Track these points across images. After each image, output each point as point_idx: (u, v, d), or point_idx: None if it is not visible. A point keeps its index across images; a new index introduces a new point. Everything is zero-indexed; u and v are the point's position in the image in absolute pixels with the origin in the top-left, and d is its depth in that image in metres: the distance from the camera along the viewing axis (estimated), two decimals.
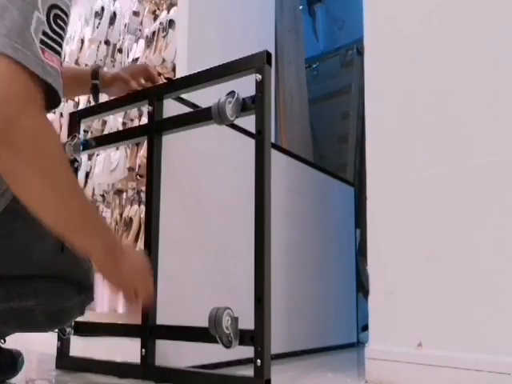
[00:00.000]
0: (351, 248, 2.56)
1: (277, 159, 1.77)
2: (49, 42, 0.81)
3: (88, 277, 1.20)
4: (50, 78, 0.80)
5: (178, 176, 1.52)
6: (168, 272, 1.42)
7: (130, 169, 2.56)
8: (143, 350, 1.34)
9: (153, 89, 1.47)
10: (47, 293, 1.11)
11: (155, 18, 2.70)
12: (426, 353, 1.23)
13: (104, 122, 2.87)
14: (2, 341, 1.28)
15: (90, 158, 2.89)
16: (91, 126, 2.95)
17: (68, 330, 1.48)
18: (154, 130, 1.43)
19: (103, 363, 1.44)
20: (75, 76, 1.48)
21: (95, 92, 1.49)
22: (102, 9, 3.08)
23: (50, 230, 0.87)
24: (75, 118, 1.63)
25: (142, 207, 2.39)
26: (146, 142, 1.58)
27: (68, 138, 1.58)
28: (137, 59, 2.69)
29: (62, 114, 3.34)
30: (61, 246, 1.09)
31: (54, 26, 0.82)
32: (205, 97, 1.40)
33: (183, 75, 1.83)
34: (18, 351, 1.33)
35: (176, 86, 1.48)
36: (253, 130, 1.26)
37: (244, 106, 1.27)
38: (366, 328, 2.24)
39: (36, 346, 1.99)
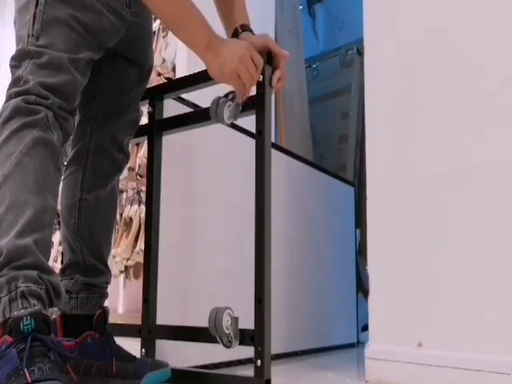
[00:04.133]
0: (351, 248, 2.55)
1: (277, 159, 1.77)
2: None
3: None
4: None
5: (178, 176, 1.52)
6: (168, 272, 1.42)
7: (130, 169, 2.55)
8: (143, 350, 1.34)
9: (153, 89, 1.47)
10: None
11: (155, 18, 2.70)
12: (426, 353, 1.23)
13: None
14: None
15: None
16: None
17: None
18: (154, 130, 1.43)
19: None
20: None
21: None
22: None
23: None
24: None
25: (142, 207, 2.38)
26: (146, 141, 1.58)
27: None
28: None
29: None
30: None
31: None
32: (205, 97, 1.40)
33: (183, 75, 1.82)
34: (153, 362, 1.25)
35: (176, 85, 1.48)
36: (253, 129, 1.26)
37: (244, 106, 1.27)
38: (365, 328, 2.23)
39: None
